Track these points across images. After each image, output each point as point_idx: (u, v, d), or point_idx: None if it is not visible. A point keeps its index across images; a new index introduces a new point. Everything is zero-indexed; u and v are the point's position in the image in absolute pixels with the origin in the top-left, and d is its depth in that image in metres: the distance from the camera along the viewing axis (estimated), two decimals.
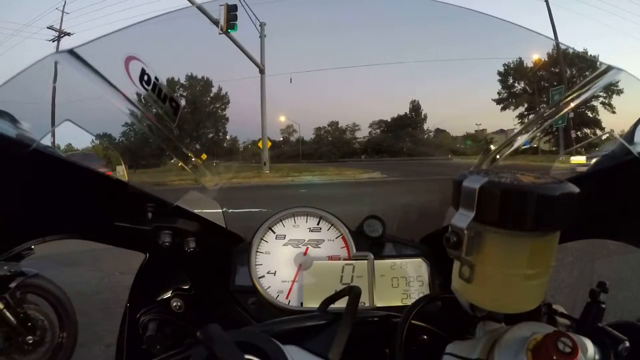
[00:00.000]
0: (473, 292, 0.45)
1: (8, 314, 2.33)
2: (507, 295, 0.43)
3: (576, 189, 0.39)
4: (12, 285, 2.33)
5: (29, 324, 2.44)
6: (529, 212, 0.37)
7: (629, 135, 0.55)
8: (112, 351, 0.82)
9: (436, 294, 0.70)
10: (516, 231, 0.39)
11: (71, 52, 0.62)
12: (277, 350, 0.43)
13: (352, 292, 0.59)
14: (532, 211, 0.37)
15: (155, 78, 0.74)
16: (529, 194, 0.37)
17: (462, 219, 0.42)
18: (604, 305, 0.62)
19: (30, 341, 2.43)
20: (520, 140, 0.84)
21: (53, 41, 27.98)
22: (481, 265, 0.43)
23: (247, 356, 0.41)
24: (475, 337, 0.52)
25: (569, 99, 0.72)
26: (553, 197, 0.37)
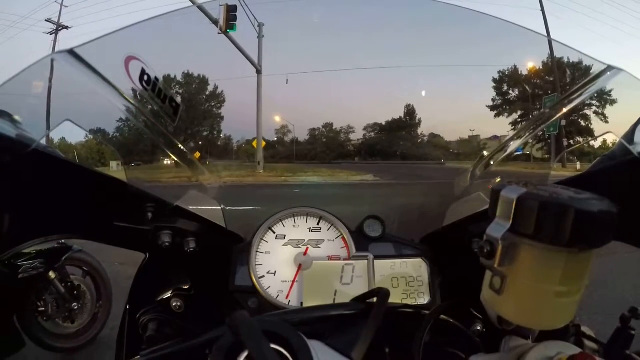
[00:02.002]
0: (502, 304, 0.44)
1: (58, 283, 2.65)
2: (537, 311, 0.43)
3: (615, 207, 0.38)
4: (64, 257, 2.64)
5: (74, 293, 2.78)
6: (566, 227, 0.36)
7: (629, 135, 0.55)
8: (116, 334, 0.81)
9: (460, 300, 0.70)
10: (552, 245, 0.38)
11: (71, 52, 0.62)
12: (303, 344, 0.43)
13: (381, 294, 0.59)
14: (570, 226, 0.36)
15: (155, 78, 0.74)
16: (567, 208, 0.36)
17: (497, 228, 0.41)
18: (633, 332, 0.61)
19: (75, 309, 2.76)
20: (514, 145, 0.84)
21: (51, 34, 27.93)
22: (513, 277, 0.42)
23: (272, 346, 0.41)
24: (500, 352, 0.52)
25: (567, 100, 0.72)
26: (592, 213, 0.36)
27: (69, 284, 2.73)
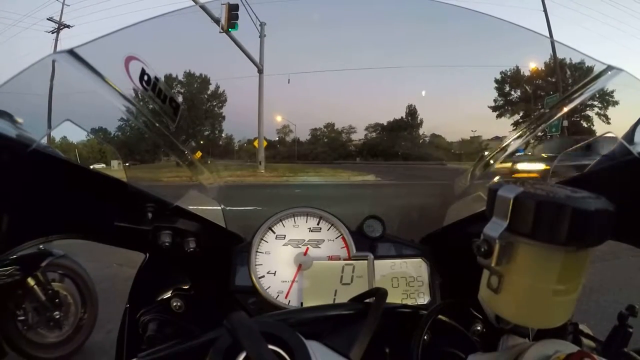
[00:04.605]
0: (500, 303, 0.44)
1: (38, 290, 2.53)
2: (534, 309, 0.42)
3: (612, 206, 0.38)
4: (43, 264, 2.50)
5: (56, 300, 2.64)
6: (564, 226, 0.36)
7: (629, 135, 0.55)
8: (113, 337, 0.82)
9: (458, 300, 0.70)
10: (549, 244, 0.38)
11: (71, 52, 0.62)
12: (301, 344, 0.43)
13: (379, 293, 0.59)
14: (567, 225, 0.36)
15: (155, 78, 0.74)
16: (564, 206, 0.36)
17: (494, 228, 0.41)
18: (631, 330, 0.61)
19: (57, 317, 2.63)
20: (514, 145, 0.84)
21: (52, 33, 28.03)
22: (510, 276, 0.42)
23: (270, 347, 0.41)
24: (498, 351, 0.52)
25: (567, 99, 0.72)
26: (589, 212, 0.36)
27: (50, 291, 2.62)
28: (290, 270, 0.84)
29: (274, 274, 0.84)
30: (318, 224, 0.88)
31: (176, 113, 0.79)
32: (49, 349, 2.63)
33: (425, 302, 0.82)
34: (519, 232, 0.39)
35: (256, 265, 0.84)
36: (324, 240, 0.87)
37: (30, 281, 2.49)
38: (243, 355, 0.41)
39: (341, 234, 0.87)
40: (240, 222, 0.94)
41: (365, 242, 0.87)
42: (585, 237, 0.37)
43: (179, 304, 0.79)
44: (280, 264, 0.84)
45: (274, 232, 0.87)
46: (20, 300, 2.50)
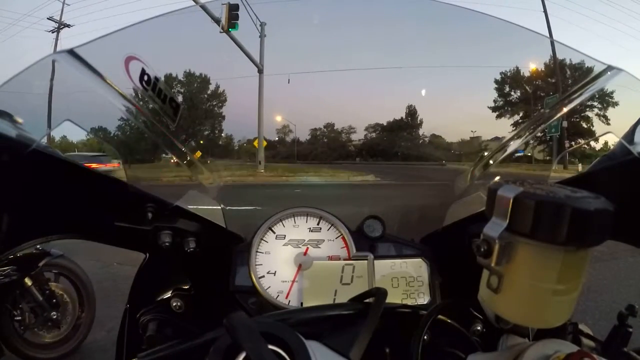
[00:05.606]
0: (499, 303, 0.44)
1: (35, 290, 2.56)
2: (534, 309, 0.42)
3: (611, 206, 0.38)
4: (41, 264, 2.54)
5: (54, 300, 2.68)
6: (563, 225, 0.36)
7: (629, 135, 0.55)
8: (113, 336, 0.82)
9: (458, 300, 0.70)
10: (549, 244, 0.38)
11: (71, 52, 0.62)
12: (300, 344, 0.43)
13: (379, 293, 0.59)
14: (566, 224, 0.36)
15: (155, 78, 0.74)
16: (564, 206, 0.36)
17: (494, 227, 0.41)
18: (631, 329, 0.61)
19: (54, 317, 2.65)
20: (514, 145, 0.84)
21: (53, 32, 28.16)
22: (510, 276, 0.42)
23: (270, 347, 0.41)
24: (498, 351, 0.52)
25: (567, 100, 0.72)
26: (588, 212, 0.36)
27: (47, 291, 2.65)
28: (290, 270, 0.84)
29: (274, 274, 0.84)
30: (318, 224, 0.88)
31: (176, 113, 0.79)
32: (46, 349, 2.65)
33: (425, 302, 0.82)
34: (518, 232, 0.39)
35: (256, 265, 0.84)
36: (324, 240, 0.87)
37: (28, 281, 2.51)
38: (243, 355, 0.41)
39: (341, 234, 0.87)
40: (240, 222, 0.93)
41: (365, 242, 0.87)
42: (584, 237, 0.37)
43: (179, 304, 0.79)
44: (280, 264, 0.84)
45: (274, 232, 0.87)
46: (17, 301, 2.53)
